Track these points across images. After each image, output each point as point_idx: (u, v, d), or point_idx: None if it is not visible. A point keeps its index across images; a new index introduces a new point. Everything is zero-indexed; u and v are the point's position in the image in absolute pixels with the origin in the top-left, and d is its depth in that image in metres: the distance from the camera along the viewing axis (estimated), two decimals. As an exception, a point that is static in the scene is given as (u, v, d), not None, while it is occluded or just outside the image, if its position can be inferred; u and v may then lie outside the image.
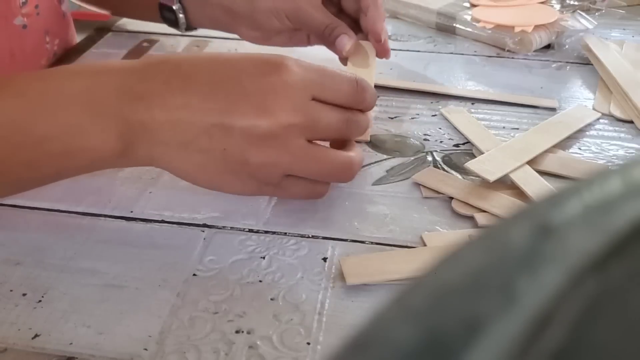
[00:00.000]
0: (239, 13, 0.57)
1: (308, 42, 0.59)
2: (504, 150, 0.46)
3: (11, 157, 0.36)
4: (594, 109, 0.55)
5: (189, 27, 0.62)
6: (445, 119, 0.54)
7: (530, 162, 0.45)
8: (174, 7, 0.60)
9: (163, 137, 0.36)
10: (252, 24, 0.57)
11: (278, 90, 0.36)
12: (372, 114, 0.45)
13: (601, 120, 0.53)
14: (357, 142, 0.50)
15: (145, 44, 0.67)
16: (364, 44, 0.55)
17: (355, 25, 0.57)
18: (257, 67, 0.37)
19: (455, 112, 0.54)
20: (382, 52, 0.55)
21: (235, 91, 0.36)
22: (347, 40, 0.53)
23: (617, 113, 0.54)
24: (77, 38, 0.70)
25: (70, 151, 0.36)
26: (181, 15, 0.60)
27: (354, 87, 0.40)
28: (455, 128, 0.52)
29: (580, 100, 0.57)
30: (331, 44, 0.55)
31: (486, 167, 0.44)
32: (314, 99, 0.38)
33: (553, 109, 0.55)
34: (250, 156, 0.36)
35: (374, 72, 0.53)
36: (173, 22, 0.61)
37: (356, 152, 0.41)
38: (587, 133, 0.51)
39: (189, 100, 0.36)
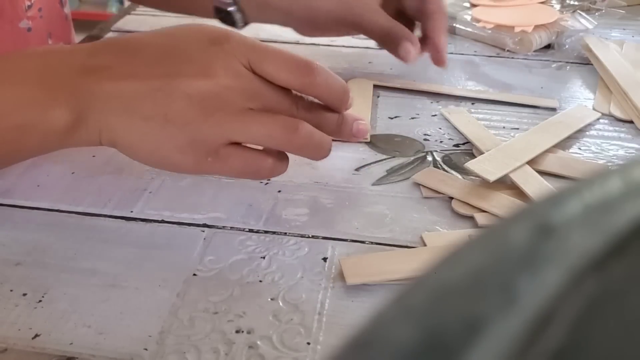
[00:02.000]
0: (298, 17, 0.57)
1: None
2: (504, 150, 0.46)
3: None
4: (594, 109, 0.55)
5: (245, 24, 0.62)
6: (446, 119, 0.54)
7: (530, 162, 0.45)
8: (230, 9, 0.59)
9: (110, 106, 0.36)
10: (311, 26, 0.58)
11: (221, 57, 0.37)
12: (366, 121, 0.43)
13: (601, 120, 0.53)
14: (357, 141, 0.50)
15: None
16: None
17: (411, 24, 0.57)
18: (203, 38, 0.38)
19: (456, 113, 0.54)
20: (439, 61, 0.55)
21: (180, 58, 0.37)
22: (410, 48, 0.53)
23: (617, 113, 0.54)
24: (77, 38, 0.70)
25: (23, 125, 0.36)
26: (239, 16, 0.60)
27: (300, 67, 0.38)
28: (456, 128, 0.52)
29: (580, 100, 0.57)
30: (392, 49, 0.54)
31: (486, 167, 0.44)
32: (257, 75, 0.37)
33: (553, 109, 0.55)
34: (191, 118, 0.36)
35: (370, 103, 0.54)
36: (230, 23, 0.61)
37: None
38: (587, 133, 0.51)
39: (135, 69, 0.37)
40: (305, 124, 0.38)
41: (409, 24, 0.57)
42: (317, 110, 0.40)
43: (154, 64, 0.37)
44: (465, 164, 0.45)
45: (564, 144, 0.49)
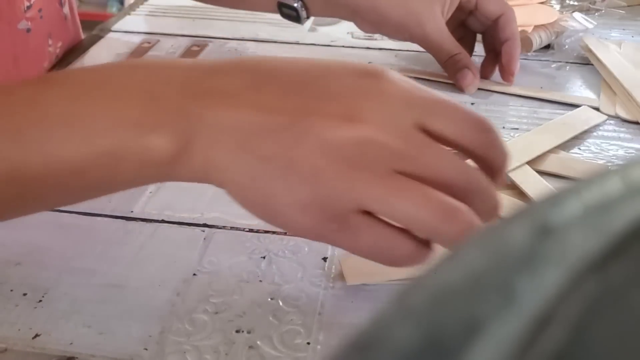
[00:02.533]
0: (363, 17, 0.58)
1: None
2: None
3: (56, 153, 0.29)
4: (600, 111, 0.55)
5: (307, 18, 0.62)
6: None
7: (531, 163, 0.45)
8: (295, 5, 0.59)
9: (222, 137, 0.29)
10: (374, 28, 0.59)
11: (373, 96, 0.29)
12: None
13: (607, 121, 0.53)
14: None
15: (145, 44, 0.67)
16: None
17: (473, 38, 0.59)
18: (352, 70, 0.30)
19: None
20: (506, 80, 0.58)
21: (319, 92, 0.30)
22: (471, 79, 0.55)
23: (623, 114, 0.54)
24: (77, 38, 0.70)
25: (120, 150, 0.29)
26: (303, 12, 0.59)
27: (477, 122, 0.30)
28: None
29: (580, 99, 0.57)
30: (451, 72, 0.56)
31: None
32: (418, 128, 0.29)
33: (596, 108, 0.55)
34: (320, 169, 0.28)
35: None
36: (294, 18, 0.60)
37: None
38: (591, 134, 0.51)
39: (262, 99, 0.30)
40: (466, 210, 0.28)
41: (470, 37, 0.60)
42: (481, 181, 0.30)
43: (286, 95, 0.30)
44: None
45: (565, 145, 0.49)
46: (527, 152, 0.46)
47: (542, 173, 0.45)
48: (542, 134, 0.49)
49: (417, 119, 0.29)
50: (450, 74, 0.57)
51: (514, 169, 0.44)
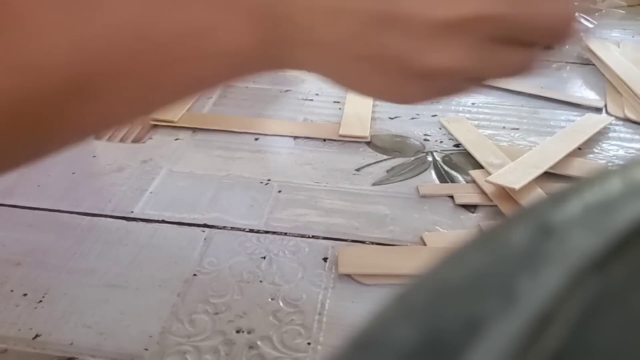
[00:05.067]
0: None
1: None
2: (524, 161, 0.45)
3: (131, 68, 0.26)
4: (607, 112, 0.55)
5: None
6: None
7: (553, 168, 0.45)
8: None
9: (308, 36, 0.28)
10: None
11: None
12: None
13: (613, 122, 0.53)
14: (357, 141, 0.50)
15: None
16: None
17: None
18: None
19: (455, 121, 0.53)
20: None
21: None
22: None
23: (632, 115, 0.54)
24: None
25: (198, 57, 0.27)
26: None
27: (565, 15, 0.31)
28: (455, 139, 0.51)
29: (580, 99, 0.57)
30: None
31: (509, 178, 0.43)
32: None
33: (599, 109, 0.55)
34: (431, 59, 0.27)
35: (370, 106, 0.53)
36: None
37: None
38: (605, 136, 0.51)
39: None
40: (539, 58, 0.32)
41: None
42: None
43: None
44: (487, 178, 0.43)
45: (583, 149, 0.49)
46: (546, 160, 0.46)
47: (562, 177, 0.45)
48: (556, 143, 0.48)
49: None
50: None
51: (537, 176, 0.44)
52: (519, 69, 0.31)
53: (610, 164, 0.48)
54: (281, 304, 0.35)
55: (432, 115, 0.54)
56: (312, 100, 0.57)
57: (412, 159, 0.48)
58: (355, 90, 0.30)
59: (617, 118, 0.54)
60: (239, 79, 0.30)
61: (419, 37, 0.27)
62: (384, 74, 0.28)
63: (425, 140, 0.51)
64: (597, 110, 0.55)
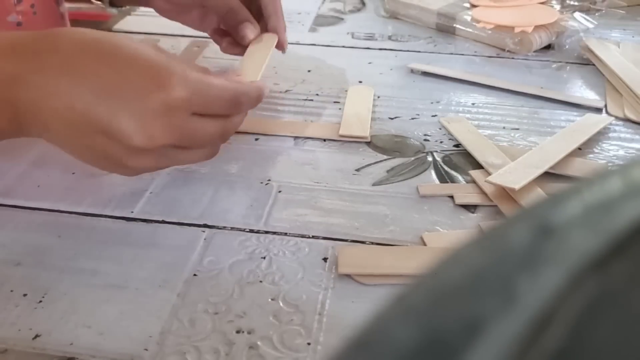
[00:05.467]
0: None
1: (219, 28, 0.59)
2: (524, 161, 0.45)
3: None
4: (608, 113, 0.55)
5: (112, 4, 0.63)
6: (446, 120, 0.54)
7: (552, 168, 0.45)
8: None
9: (50, 126, 0.37)
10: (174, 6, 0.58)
11: (158, 113, 0.37)
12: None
13: (613, 122, 0.53)
14: (357, 141, 0.50)
15: (145, 45, 0.67)
16: (267, 35, 0.56)
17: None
18: (144, 80, 0.38)
19: (455, 122, 0.53)
20: (282, 47, 0.58)
21: (119, 105, 0.37)
22: (249, 31, 0.55)
23: (632, 116, 0.54)
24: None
25: None
26: None
27: (233, 101, 0.41)
28: (455, 139, 0.51)
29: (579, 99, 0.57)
30: (234, 29, 0.55)
31: (509, 178, 0.43)
32: (193, 114, 0.39)
33: (599, 109, 0.55)
34: (129, 162, 0.38)
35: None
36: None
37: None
38: (605, 136, 0.51)
39: (73, 103, 0.37)
40: (218, 149, 0.44)
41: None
42: (232, 125, 0.43)
43: (94, 105, 0.37)
44: (487, 178, 0.43)
45: (582, 150, 0.49)
46: (546, 160, 0.45)
47: (562, 177, 0.45)
48: (557, 143, 0.48)
49: (192, 112, 0.39)
50: (232, 29, 0.56)
51: (537, 176, 0.43)
52: (217, 137, 0.41)
53: (610, 164, 0.48)
54: (281, 304, 0.35)
55: (432, 116, 0.54)
56: (312, 100, 0.57)
57: (412, 159, 0.48)
58: (91, 165, 0.40)
59: (617, 118, 0.54)
60: None
61: (121, 152, 0.37)
62: (104, 160, 0.38)
63: (425, 140, 0.51)
64: (597, 110, 0.55)
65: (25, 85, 0.37)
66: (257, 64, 0.51)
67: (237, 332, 0.33)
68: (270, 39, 0.55)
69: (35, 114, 0.37)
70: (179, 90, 0.38)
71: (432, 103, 0.56)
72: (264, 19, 0.57)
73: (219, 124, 0.41)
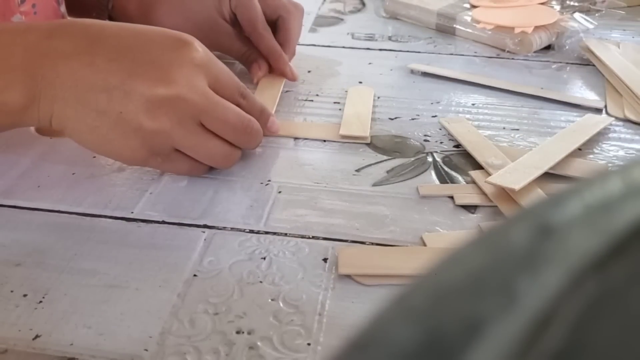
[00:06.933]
0: None
1: None
2: (524, 161, 0.45)
3: None
4: (608, 113, 0.55)
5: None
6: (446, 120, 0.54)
7: (553, 169, 0.45)
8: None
9: (63, 94, 0.37)
10: None
11: (183, 64, 0.38)
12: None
13: (613, 123, 0.53)
14: (357, 141, 0.50)
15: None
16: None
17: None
18: (166, 40, 0.39)
19: (455, 122, 0.53)
20: (290, 79, 0.60)
21: (142, 58, 0.38)
22: (256, 70, 0.58)
23: (632, 116, 0.54)
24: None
25: None
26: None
27: (240, 90, 0.43)
28: (455, 139, 0.51)
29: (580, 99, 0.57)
30: (247, 67, 0.60)
31: (508, 179, 0.43)
32: (210, 87, 0.40)
33: (599, 110, 0.55)
34: (145, 121, 0.37)
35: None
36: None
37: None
38: (605, 136, 0.51)
39: (93, 59, 0.37)
40: (238, 152, 0.44)
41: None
42: (254, 128, 0.44)
43: (115, 59, 0.37)
44: (487, 179, 0.43)
45: (583, 150, 0.49)
46: (546, 160, 0.45)
47: (562, 177, 0.44)
48: (557, 143, 0.48)
49: (210, 82, 0.40)
50: (247, 67, 0.60)
51: (537, 177, 0.43)
52: (215, 158, 0.43)
53: (610, 164, 0.48)
54: (281, 304, 0.35)
55: (432, 116, 0.54)
56: (312, 100, 0.57)
57: (412, 159, 0.48)
58: (87, 146, 0.40)
59: (617, 119, 0.54)
60: (2, 127, 0.40)
61: (139, 105, 0.37)
62: (114, 128, 0.38)
63: (425, 140, 0.51)
64: (597, 110, 0.55)
65: (45, 50, 0.37)
66: (268, 101, 0.54)
67: (237, 332, 0.33)
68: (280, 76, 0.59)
69: (52, 80, 0.37)
70: (200, 51, 0.39)
71: (432, 103, 0.56)
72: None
73: (237, 112, 0.42)
